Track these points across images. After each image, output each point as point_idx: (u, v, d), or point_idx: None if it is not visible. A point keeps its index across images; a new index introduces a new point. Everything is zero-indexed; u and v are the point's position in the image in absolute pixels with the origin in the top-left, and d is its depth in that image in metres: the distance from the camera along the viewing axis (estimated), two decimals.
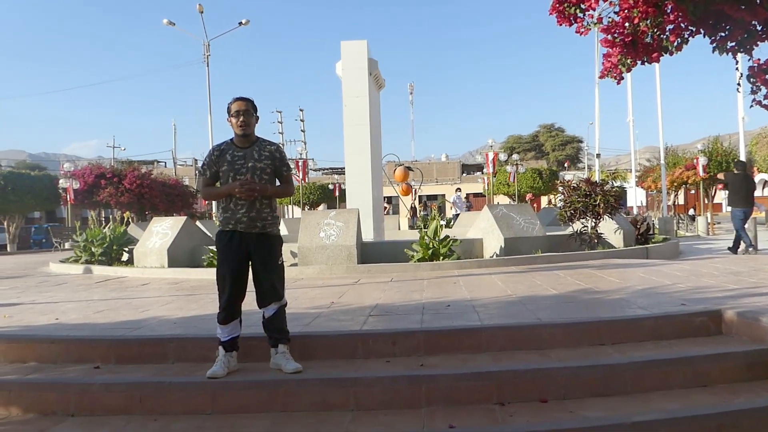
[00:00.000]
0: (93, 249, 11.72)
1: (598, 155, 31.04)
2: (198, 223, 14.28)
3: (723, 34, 4.49)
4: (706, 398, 3.59)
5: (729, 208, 11.93)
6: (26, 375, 4.11)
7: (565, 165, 63.33)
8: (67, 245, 21.62)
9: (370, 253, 9.82)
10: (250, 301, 4.10)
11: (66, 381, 3.94)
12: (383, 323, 4.87)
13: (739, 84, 4.52)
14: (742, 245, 11.58)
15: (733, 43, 4.47)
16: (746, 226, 11.57)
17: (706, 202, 30.45)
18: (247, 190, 3.92)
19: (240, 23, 27.34)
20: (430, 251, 9.41)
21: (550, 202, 42.12)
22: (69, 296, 7.54)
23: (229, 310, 4.00)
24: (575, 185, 11.30)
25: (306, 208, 37.47)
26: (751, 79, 4.40)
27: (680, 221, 26.03)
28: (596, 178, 24.23)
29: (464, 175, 56.75)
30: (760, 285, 6.03)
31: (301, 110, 57.31)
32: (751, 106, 4.63)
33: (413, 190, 28.01)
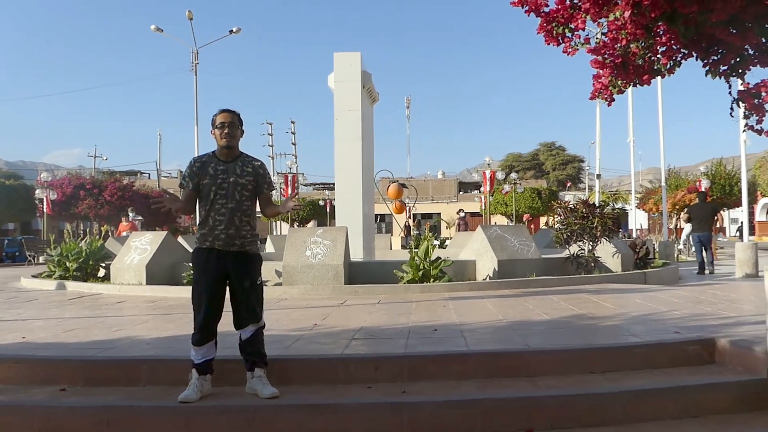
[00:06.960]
0: (68, 264, 11.21)
1: (599, 176, 30.73)
2: (180, 238, 13.97)
3: (716, 58, 4.42)
4: (697, 430, 3.53)
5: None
6: None
7: (567, 185, 62.89)
8: (41, 259, 20.89)
9: (358, 274, 9.61)
10: (227, 322, 3.94)
11: (30, 404, 3.78)
12: (366, 347, 4.74)
13: (731, 108, 4.43)
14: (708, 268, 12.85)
15: (726, 67, 4.40)
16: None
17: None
18: (155, 202, 3.97)
19: (231, 31, 26.24)
20: (421, 273, 9.22)
21: (547, 223, 41.80)
22: (39, 314, 7.30)
23: (204, 331, 3.84)
24: (572, 207, 11.18)
25: (295, 225, 36.77)
26: (741, 104, 4.32)
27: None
28: (596, 199, 24.13)
29: (461, 193, 56.59)
30: (758, 313, 5.90)
31: (292, 122, 55.48)
32: (744, 130, 4.55)
33: (407, 208, 27.79)
